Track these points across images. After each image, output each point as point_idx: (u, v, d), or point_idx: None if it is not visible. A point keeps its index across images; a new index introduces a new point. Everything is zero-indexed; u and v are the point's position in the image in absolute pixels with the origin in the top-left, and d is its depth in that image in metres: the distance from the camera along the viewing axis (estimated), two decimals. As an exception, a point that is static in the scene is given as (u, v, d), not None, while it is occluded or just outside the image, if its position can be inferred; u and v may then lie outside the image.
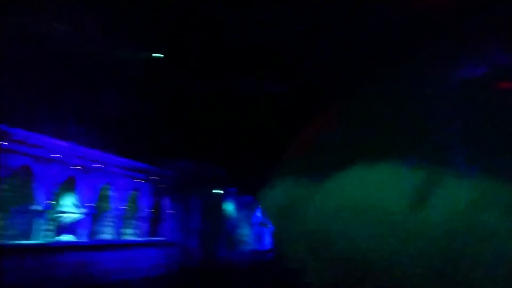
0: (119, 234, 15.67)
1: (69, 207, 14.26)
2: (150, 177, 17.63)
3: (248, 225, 29.46)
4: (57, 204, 14.30)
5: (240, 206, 28.59)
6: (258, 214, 28.55)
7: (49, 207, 12.55)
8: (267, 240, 30.24)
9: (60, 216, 13.85)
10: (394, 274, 10.25)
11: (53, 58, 15.36)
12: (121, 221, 15.85)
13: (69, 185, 14.72)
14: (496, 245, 9.49)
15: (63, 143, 12.93)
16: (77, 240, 13.69)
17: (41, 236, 12.22)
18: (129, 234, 18.61)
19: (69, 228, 13.87)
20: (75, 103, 16.24)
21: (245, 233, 29.37)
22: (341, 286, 11.38)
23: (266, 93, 23.72)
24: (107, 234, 16.90)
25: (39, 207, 12.26)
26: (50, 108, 14.95)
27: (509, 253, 9.31)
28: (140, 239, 17.16)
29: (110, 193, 17.00)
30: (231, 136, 25.17)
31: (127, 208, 18.19)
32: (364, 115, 12.53)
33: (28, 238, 12.38)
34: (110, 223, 16.74)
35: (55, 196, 14.10)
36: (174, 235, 19.57)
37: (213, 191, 22.58)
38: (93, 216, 14.75)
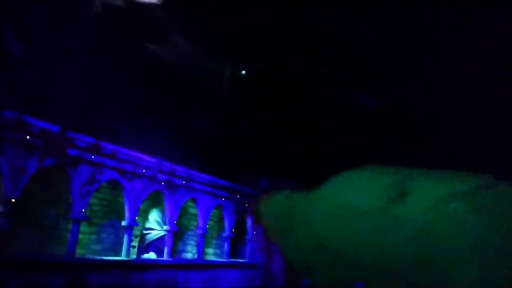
0: (200, 253, 15.18)
1: (153, 224, 14.12)
2: (232, 195, 17.08)
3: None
4: (142, 220, 14.24)
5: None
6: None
7: (136, 223, 12.42)
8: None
9: (145, 233, 13.72)
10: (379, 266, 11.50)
11: (141, 73, 15.69)
12: (203, 240, 15.38)
13: (153, 201, 14.62)
14: (467, 231, 10.35)
15: (149, 158, 12.83)
16: (161, 258, 13.40)
17: (127, 252, 12.07)
18: (211, 254, 18.14)
19: (153, 245, 13.66)
20: (162, 118, 16.34)
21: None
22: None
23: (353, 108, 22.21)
24: (188, 253, 16.55)
25: (126, 223, 12.15)
26: (137, 123, 15.13)
27: (480, 237, 10.04)
28: (221, 260, 16.55)
29: (192, 210, 16.73)
30: (313, 153, 23.99)
31: (209, 227, 17.80)
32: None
33: (114, 254, 12.33)
34: (192, 242, 16.39)
35: (140, 212, 14.06)
36: (256, 256, 18.71)
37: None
38: (176, 233, 14.42)
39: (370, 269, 12.06)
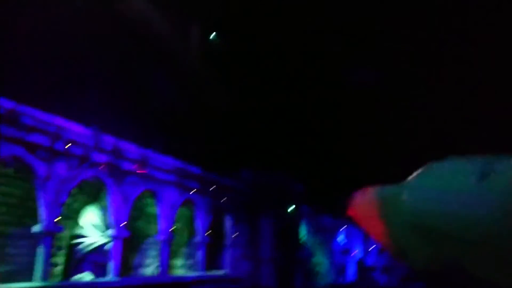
0: (164, 267, 10.80)
1: (88, 229, 9.68)
2: (206, 188, 12.78)
3: (326, 253, 23.80)
4: (71, 224, 9.76)
5: (316, 230, 23.08)
6: (340, 239, 22.88)
7: (58, 228, 7.93)
8: (350, 271, 24.31)
9: (75, 243, 9.29)
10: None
11: (89, 31, 11.17)
12: (167, 249, 11.00)
13: (89, 196, 10.15)
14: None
15: (80, 128, 8.41)
16: (103, 280, 8.94)
17: (43, 273, 7.57)
18: (180, 267, 13.73)
19: (88, 260, 9.23)
20: (113, 86, 11.92)
21: (322, 262, 23.71)
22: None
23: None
24: (148, 267, 12.10)
25: (42, 228, 7.65)
26: (78, 89, 10.67)
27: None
28: (194, 274, 12.20)
29: (152, 210, 12.30)
30: (311, 142, 20.02)
31: (176, 231, 13.42)
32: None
33: (31, 278, 7.80)
34: (152, 252, 12.01)
35: (68, 213, 9.57)
36: (239, 267, 14.46)
37: (288, 210, 17.36)
38: (126, 241, 10.03)
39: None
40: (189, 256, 14.17)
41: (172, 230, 11.10)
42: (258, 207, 15.67)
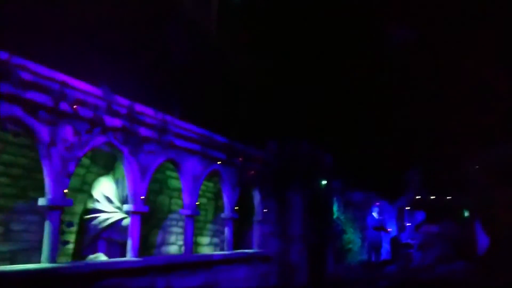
0: (189, 245, 9.74)
1: (102, 202, 8.63)
2: (233, 159, 11.57)
3: (357, 229, 22.53)
4: (84, 197, 8.73)
5: (347, 205, 21.80)
6: (374, 214, 21.50)
7: (67, 202, 6.86)
8: (385, 248, 23.02)
9: (88, 219, 8.26)
10: None
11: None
12: (192, 226, 9.91)
13: (102, 166, 9.08)
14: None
15: (89, 87, 7.23)
16: (120, 259, 7.92)
17: (50, 254, 6.54)
18: (206, 245, 12.73)
19: (105, 238, 8.21)
20: (127, 42, 10.71)
21: (354, 239, 22.49)
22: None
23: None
24: (172, 245, 11.11)
25: (47, 201, 6.59)
26: (89, 47, 9.47)
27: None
28: (222, 252, 11.14)
29: (175, 183, 11.22)
30: (342, 111, 18.50)
31: (202, 206, 12.37)
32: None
33: (39, 258, 6.81)
34: (178, 229, 10.99)
35: (80, 184, 8.55)
36: (268, 245, 13.37)
37: (320, 184, 16.05)
38: (146, 218, 8.98)
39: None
40: (216, 233, 13.14)
41: (197, 205, 9.97)
42: (287, 181, 14.41)
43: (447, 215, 23.09)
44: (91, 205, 8.46)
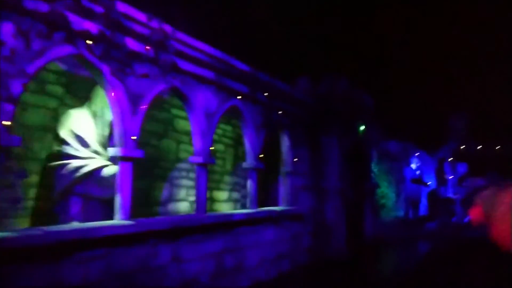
0: (202, 202, 7.47)
1: (72, 145, 6.29)
2: (257, 93, 9.02)
3: (391, 182, 20.15)
4: (47, 138, 6.41)
5: (382, 156, 19.29)
6: (413, 166, 19.02)
7: (8, 141, 4.51)
8: (423, 204, 20.72)
9: (52, 167, 5.97)
10: None
11: None
12: (205, 177, 7.59)
13: (75, 94, 6.70)
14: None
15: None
16: (107, 223, 5.69)
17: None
18: (224, 201, 10.52)
19: (78, 194, 5.96)
20: None
21: (387, 194, 20.17)
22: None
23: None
24: (182, 201, 8.87)
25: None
26: None
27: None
28: (243, 211, 8.87)
29: (184, 124, 8.82)
30: (385, 45, 15.51)
31: (218, 153, 10.03)
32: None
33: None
34: (189, 182, 8.71)
35: (41, 120, 6.21)
36: (299, 201, 11.09)
37: (360, 130, 13.46)
38: (146, 167, 6.64)
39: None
40: (235, 187, 10.87)
41: (212, 151, 7.59)
42: (321, 125, 11.87)
43: (492, 168, 20.35)
44: (57, 148, 6.14)
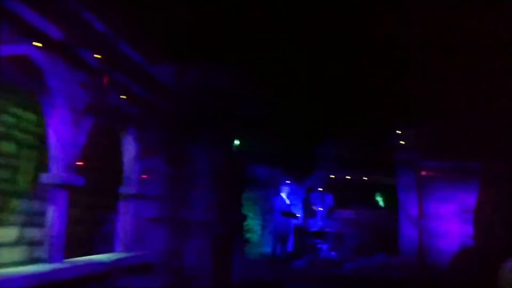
0: None
1: None
2: (80, 50, 4.91)
3: (259, 213, 17.42)
4: None
5: (249, 182, 16.44)
6: (283, 195, 16.55)
7: None
8: (291, 239, 18.32)
9: None
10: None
11: None
12: None
13: None
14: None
15: None
16: None
17: None
18: (8, 247, 5.81)
19: None
20: None
21: (255, 227, 17.37)
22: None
23: None
24: None
25: None
26: None
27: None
28: (32, 269, 4.44)
29: None
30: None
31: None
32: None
33: None
34: None
35: None
36: (149, 240, 7.05)
37: (233, 143, 10.16)
38: None
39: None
40: (37, 219, 6.31)
41: None
42: (187, 129, 8.20)
43: (358, 200, 19.39)
44: None
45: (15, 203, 5.93)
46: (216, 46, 9.87)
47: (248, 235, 16.29)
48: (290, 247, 18.39)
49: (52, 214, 4.84)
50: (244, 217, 12.56)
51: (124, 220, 6.65)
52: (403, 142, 16.17)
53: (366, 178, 18.47)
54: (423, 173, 15.75)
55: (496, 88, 10.64)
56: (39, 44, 4.29)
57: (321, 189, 18.71)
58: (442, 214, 14.66)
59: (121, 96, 5.95)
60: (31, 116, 6.08)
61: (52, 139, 4.97)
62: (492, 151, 9.40)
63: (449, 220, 14.46)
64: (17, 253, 5.98)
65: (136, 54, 6.25)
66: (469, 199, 13.78)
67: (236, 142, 10.46)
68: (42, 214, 6.06)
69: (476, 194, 13.35)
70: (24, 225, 6.10)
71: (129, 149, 6.63)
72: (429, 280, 13.04)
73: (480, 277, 7.97)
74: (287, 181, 17.84)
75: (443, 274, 13.13)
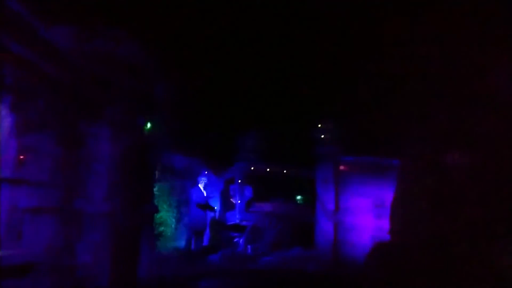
0: None
1: None
2: None
3: (174, 205, 16.30)
4: None
5: (163, 171, 15.45)
6: (201, 187, 15.57)
7: None
8: (208, 232, 17.41)
9: None
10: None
11: None
12: None
13: None
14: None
15: None
16: None
17: None
18: None
19: None
20: None
21: (166, 220, 16.16)
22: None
23: None
24: None
25: None
26: None
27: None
28: None
29: None
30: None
31: None
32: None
33: None
34: None
35: None
36: (29, 235, 5.76)
37: (146, 127, 9.01)
38: None
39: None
40: None
41: None
42: (86, 103, 6.95)
43: (278, 193, 19.17)
44: None
45: None
46: (132, 13, 8.62)
47: (161, 229, 15.12)
48: (206, 241, 17.52)
49: None
50: (155, 209, 11.41)
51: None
52: (323, 136, 16.07)
53: (286, 171, 18.27)
54: (342, 167, 15.77)
55: (416, 86, 10.74)
56: None
57: (240, 181, 18.11)
58: (358, 208, 14.81)
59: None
60: None
61: None
62: (410, 146, 9.42)
63: (364, 215, 14.66)
64: None
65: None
66: (383, 194, 14.02)
67: (149, 125, 9.31)
68: None
69: (390, 189, 13.62)
70: None
71: (3, 121, 5.29)
72: (343, 273, 13.06)
73: (395, 271, 7.89)
74: (205, 172, 16.93)
75: (357, 267, 13.26)
